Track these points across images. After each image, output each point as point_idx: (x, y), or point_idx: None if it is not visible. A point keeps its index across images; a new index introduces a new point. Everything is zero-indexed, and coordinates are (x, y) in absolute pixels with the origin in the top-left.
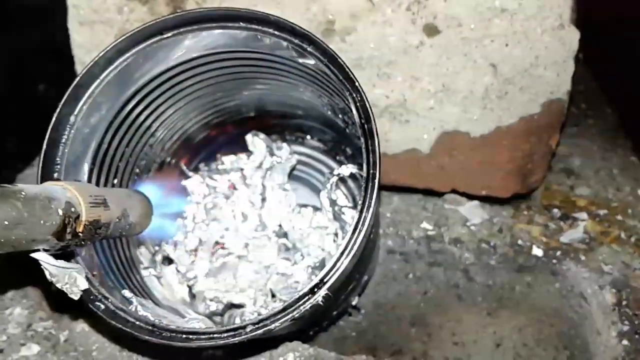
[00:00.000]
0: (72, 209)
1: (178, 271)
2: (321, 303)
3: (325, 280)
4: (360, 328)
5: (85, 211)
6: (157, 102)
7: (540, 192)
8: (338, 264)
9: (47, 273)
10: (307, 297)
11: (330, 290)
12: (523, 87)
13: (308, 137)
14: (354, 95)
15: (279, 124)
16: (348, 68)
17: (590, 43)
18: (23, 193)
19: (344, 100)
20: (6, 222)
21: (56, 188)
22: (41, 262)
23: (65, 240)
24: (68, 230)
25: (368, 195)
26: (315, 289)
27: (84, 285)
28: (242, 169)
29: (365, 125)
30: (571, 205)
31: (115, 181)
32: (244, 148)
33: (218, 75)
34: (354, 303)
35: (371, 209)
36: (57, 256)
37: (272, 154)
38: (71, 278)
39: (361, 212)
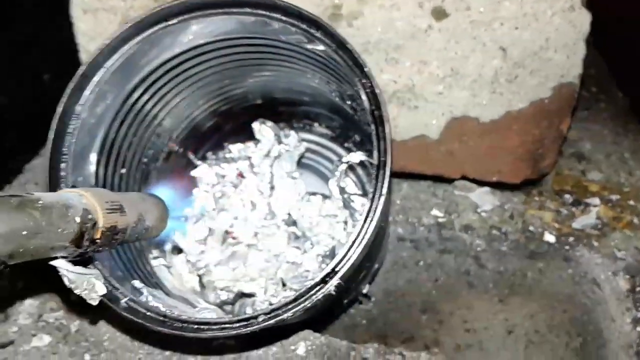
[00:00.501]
0: (89, 216)
1: (188, 261)
2: (333, 292)
3: (337, 269)
4: (371, 316)
5: (103, 218)
6: (164, 90)
7: (551, 177)
8: (349, 253)
9: (65, 280)
10: (319, 287)
11: (342, 280)
12: (533, 71)
13: (316, 124)
14: (364, 81)
15: (286, 111)
16: (357, 54)
17: (601, 26)
18: (40, 202)
19: (352, 86)
20: (25, 232)
21: (72, 195)
22: (59, 269)
23: (83, 247)
24: (85, 237)
25: (379, 184)
26: (327, 278)
27: (102, 290)
28: (250, 158)
29: (375, 112)
30: (583, 191)
31: (123, 170)
32: (251, 136)
33: (224, 62)
34: (364, 291)
35: (382, 198)
36: (75, 262)
37: (279, 142)
38: (90, 284)
39: (372, 200)
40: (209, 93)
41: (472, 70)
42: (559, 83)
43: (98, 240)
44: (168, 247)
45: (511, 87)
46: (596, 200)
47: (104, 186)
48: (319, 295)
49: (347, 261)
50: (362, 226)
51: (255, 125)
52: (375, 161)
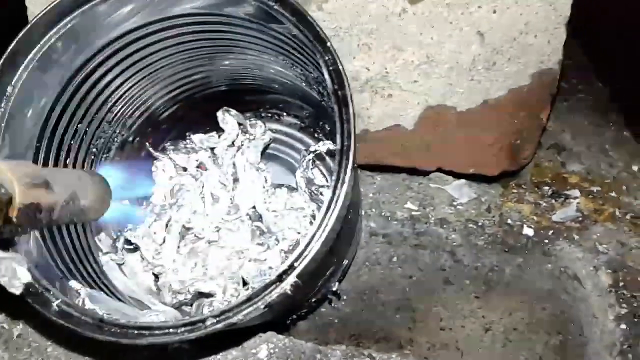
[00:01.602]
0: (2, 190)
1: (143, 258)
2: (290, 292)
3: (294, 266)
4: (343, 315)
5: (20, 194)
6: (113, 73)
7: (529, 169)
8: (308, 249)
9: None
10: (274, 286)
11: (300, 278)
12: (512, 57)
13: (284, 114)
14: (326, 57)
15: (253, 100)
16: (319, 27)
17: (580, 12)
18: None
19: (316, 66)
20: None
21: None
22: None
23: None
24: None
25: (342, 171)
26: (284, 276)
27: (26, 277)
28: (212, 148)
29: (339, 92)
30: (563, 182)
31: (68, 161)
32: (215, 126)
33: (180, 43)
34: (334, 289)
35: (345, 186)
36: None
37: (245, 132)
38: (10, 270)
39: (334, 190)
40: (166, 78)
41: (449, 57)
42: (539, 70)
43: (14, 219)
44: (120, 243)
45: (489, 74)
46: (576, 192)
47: None
48: (274, 295)
49: (305, 257)
50: (323, 219)
51: (219, 114)
52: (338, 146)
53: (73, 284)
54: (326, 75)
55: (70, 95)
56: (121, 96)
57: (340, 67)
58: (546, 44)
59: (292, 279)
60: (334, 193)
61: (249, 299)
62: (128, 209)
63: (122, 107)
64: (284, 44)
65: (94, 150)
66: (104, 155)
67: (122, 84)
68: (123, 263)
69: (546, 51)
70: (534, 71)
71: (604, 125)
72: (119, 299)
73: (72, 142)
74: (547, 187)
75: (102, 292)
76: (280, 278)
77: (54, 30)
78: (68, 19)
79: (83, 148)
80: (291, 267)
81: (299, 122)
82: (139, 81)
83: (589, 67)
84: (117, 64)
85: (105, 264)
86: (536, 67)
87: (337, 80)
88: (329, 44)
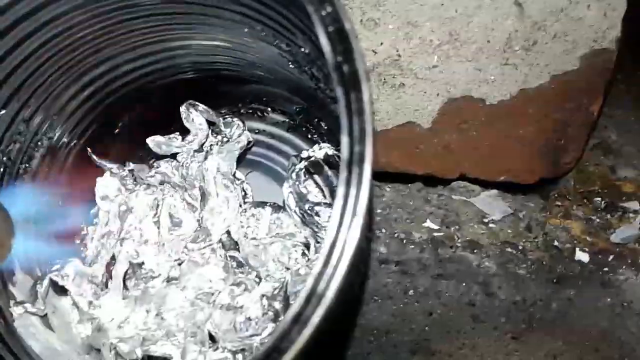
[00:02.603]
0: None
1: (77, 305)
2: None
3: (281, 348)
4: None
5: None
6: (24, 51)
7: (572, 175)
8: (298, 327)
9: None
10: None
11: None
12: (557, 34)
13: (269, 109)
14: (322, 11)
15: (229, 92)
16: None
17: None
18: None
19: (308, 33)
20: None
21: None
22: None
23: None
24: None
25: (351, 195)
26: None
27: None
28: (174, 154)
29: (344, 66)
30: (616, 192)
31: None
32: (180, 126)
33: (116, 9)
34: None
35: (355, 224)
36: None
37: (217, 133)
38: None
39: (339, 227)
40: (108, 58)
41: (478, 35)
42: (591, 50)
43: None
44: (43, 287)
45: (528, 56)
46: (635, 205)
47: None
48: None
49: (302, 330)
50: (320, 275)
51: (183, 110)
52: (344, 154)
53: None
54: (323, 40)
55: None
56: (42, 83)
57: (347, 26)
58: (601, 16)
59: None
60: (337, 234)
61: None
62: (48, 245)
63: (47, 98)
64: (259, 4)
65: (5, 159)
66: (22, 166)
67: (40, 66)
68: (45, 315)
69: (601, 26)
70: (585, 52)
71: None
72: None
73: None
74: (598, 199)
75: None
76: None
77: None
78: None
79: None
80: (270, 357)
81: (287, 120)
82: (65, 63)
83: (628, 55)
84: (28, 37)
85: (17, 318)
86: (587, 46)
87: (342, 46)
88: None
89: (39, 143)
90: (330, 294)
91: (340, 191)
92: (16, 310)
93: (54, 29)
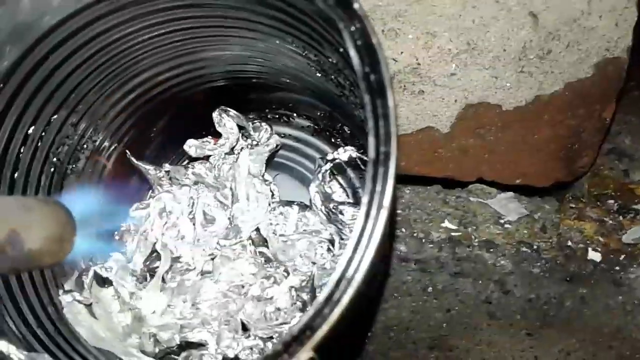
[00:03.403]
0: None
1: (118, 295)
2: None
3: (306, 335)
4: (367, 355)
5: None
6: (74, 61)
7: (587, 179)
8: (330, 307)
9: None
10: None
11: (316, 351)
12: (571, 43)
13: (295, 114)
14: (352, 28)
15: (257, 98)
16: None
17: None
18: None
19: (335, 45)
20: None
21: None
22: None
23: None
24: None
25: (378, 191)
26: (291, 348)
27: None
28: (207, 157)
29: (371, 76)
30: (629, 195)
31: (16, 175)
32: (212, 130)
33: (160, 23)
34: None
35: (382, 215)
36: None
37: (246, 137)
38: None
39: (366, 219)
40: (146, 69)
41: (494, 44)
42: (604, 59)
43: None
44: (88, 277)
45: (543, 65)
46: None
47: None
48: None
49: (327, 318)
50: (350, 261)
51: (215, 115)
52: (371, 154)
53: (2, 345)
54: (353, 53)
55: (13, 91)
56: (89, 91)
57: (374, 40)
58: (613, 27)
59: (305, 354)
60: (365, 223)
61: None
62: (101, 245)
63: (92, 104)
64: (292, 19)
65: (55, 160)
66: (70, 167)
67: (82, 80)
68: (90, 304)
69: (613, 36)
70: (597, 60)
71: None
72: (80, 355)
73: (21, 150)
74: (611, 201)
75: (44, 356)
76: (287, 348)
77: None
78: None
79: (38, 158)
80: (300, 337)
81: (312, 125)
82: (110, 73)
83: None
84: (78, 49)
85: (66, 306)
86: (600, 55)
87: (369, 58)
88: (356, 5)
89: (85, 146)
90: (359, 276)
91: (368, 187)
92: (65, 299)
93: (102, 42)
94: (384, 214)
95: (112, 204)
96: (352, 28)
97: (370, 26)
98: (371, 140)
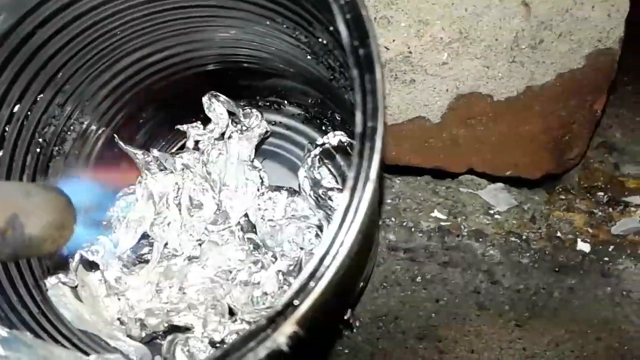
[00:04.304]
0: None
1: (104, 280)
2: (286, 349)
3: (289, 310)
4: (355, 344)
5: None
6: (62, 39)
7: (577, 171)
8: (314, 283)
9: None
10: (261, 336)
11: (302, 325)
12: (563, 34)
13: (285, 102)
14: (341, 0)
15: (249, 85)
16: None
17: None
18: None
19: (325, 23)
20: None
21: None
22: None
23: None
24: None
25: (365, 164)
26: (275, 323)
27: None
28: (196, 142)
29: (360, 50)
30: (619, 187)
31: (1, 153)
32: (202, 115)
33: (148, 1)
34: (346, 317)
35: (369, 186)
36: None
37: (236, 123)
38: None
39: (353, 192)
40: (134, 50)
41: (487, 33)
42: (595, 49)
43: None
44: (74, 261)
45: (534, 55)
46: (637, 199)
47: None
48: (261, 351)
49: (309, 294)
50: (336, 235)
51: (205, 100)
52: (358, 129)
53: None
54: (342, 27)
55: None
56: (76, 71)
57: (363, 13)
58: (605, 17)
59: (289, 327)
60: (351, 197)
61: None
62: (89, 231)
63: (79, 85)
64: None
65: (41, 140)
66: (56, 148)
67: (73, 55)
68: (76, 286)
69: (605, 27)
70: (589, 51)
71: None
72: (64, 337)
73: (6, 128)
74: (601, 193)
75: (26, 334)
76: (270, 324)
77: None
78: None
79: (23, 138)
80: (288, 308)
81: (302, 112)
82: (98, 52)
83: (634, 56)
84: (65, 26)
85: (50, 288)
86: (592, 46)
87: (358, 32)
88: None
89: (72, 127)
90: (344, 251)
91: (355, 161)
92: (50, 280)
93: (88, 21)
94: (370, 187)
95: (99, 189)
96: (342, 1)
97: (361, 0)
98: (358, 116)
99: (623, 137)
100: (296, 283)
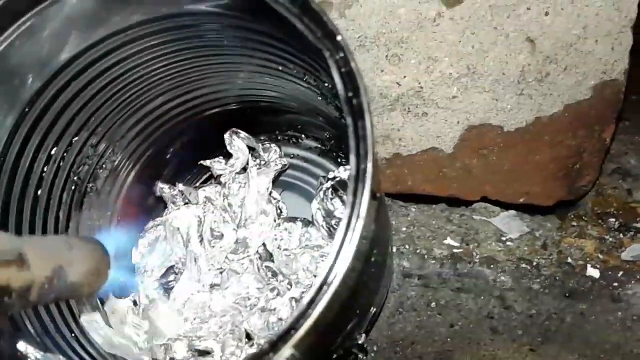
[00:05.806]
0: None
1: (132, 310)
2: None
3: (290, 335)
4: None
5: None
6: (90, 91)
7: (590, 198)
8: (310, 310)
9: None
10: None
11: (299, 349)
12: (568, 67)
13: (303, 136)
14: (337, 57)
15: (268, 121)
16: (326, 16)
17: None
18: None
19: (328, 70)
20: None
21: None
22: None
23: None
24: None
25: (357, 201)
26: (277, 346)
27: None
28: (219, 176)
29: (353, 100)
30: (630, 213)
31: (40, 192)
32: (223, 151)
33: (171, 53)
34: (360, 342)
35: (360, 221)
36: None
37: (256, 157)
38: None
39: (347, 229)
40: (161, 94)
41: (493, 68)
42: (601, 81)
43: None
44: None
45: (542, 87)
46: None
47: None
48: None
49: (305, 319)
50: (331, 267)
51: (227, 137)
52: (352, 171)
53: (20, 345)
54: (337, 80)
55: (37, 115)
56: (106, 116)
57: (354, 66)
58: (609, 50)
59: (287, 351)
60: (346, 231)
61: None
62: (126, 277)
63: (110, 127)
64: (292, 49)
65: (76, 178)
66: (89, 185)
67: (100, 106)
68: (107, 312)
69: (609, 59)
70: (595, 83)
71: None
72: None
73: (44, 169)
74: (612, 219)
75: (60, 357)
76: (273, 348)
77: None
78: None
79: (61, 176)
80: (283, 337)
81: (319, 146)
82: (124, 100)
83: None
84: (95, 79)
85: (83, 314)
86: (597, 78)
87: (351, 84)
88: (339, 38)
89: (104, 165)
90: (337, 280)
91: (349, 200)
92: (83, 308)
93: (115, 72)
94: (360, 223)
95: (126, 221)
96: (337, 57)
97: (352, 55)
98: (352, 159)
99: (638, 164)
100: (297, 311)
